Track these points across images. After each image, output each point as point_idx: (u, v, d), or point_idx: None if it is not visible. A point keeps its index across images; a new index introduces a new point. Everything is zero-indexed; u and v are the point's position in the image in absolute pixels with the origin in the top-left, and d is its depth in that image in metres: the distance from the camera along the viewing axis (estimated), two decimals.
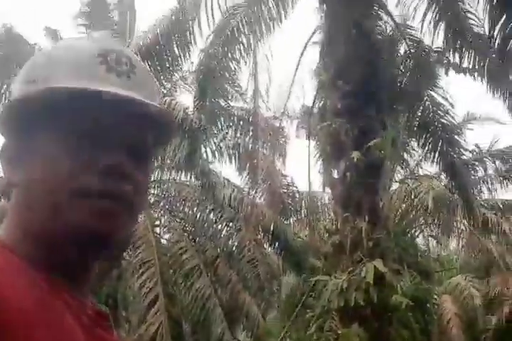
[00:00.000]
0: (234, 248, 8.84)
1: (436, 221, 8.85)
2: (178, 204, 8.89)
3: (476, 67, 7.18)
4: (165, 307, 6.75)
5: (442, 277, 10.21)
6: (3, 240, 0.62)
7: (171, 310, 6.87)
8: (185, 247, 8.08)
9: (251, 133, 9.03)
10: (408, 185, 8.86)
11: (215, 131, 9.13)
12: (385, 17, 7.34)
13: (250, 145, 9.08)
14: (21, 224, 0.64)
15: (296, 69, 7.90)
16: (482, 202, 9.31)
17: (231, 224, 9.00)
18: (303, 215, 10.78)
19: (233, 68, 7.65)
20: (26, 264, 0.60)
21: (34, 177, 0.64)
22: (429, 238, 9.25)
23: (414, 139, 8.45)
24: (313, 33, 7.57)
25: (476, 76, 7.28)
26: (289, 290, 8.59)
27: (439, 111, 7.67)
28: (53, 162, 0.63)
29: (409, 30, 7.55)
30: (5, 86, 7.64)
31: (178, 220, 8.79)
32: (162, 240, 8.50)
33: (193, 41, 7.58)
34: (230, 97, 8.73)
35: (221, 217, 8.90)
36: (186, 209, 9.00)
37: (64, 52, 0.68)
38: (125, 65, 0.67)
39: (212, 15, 7.12)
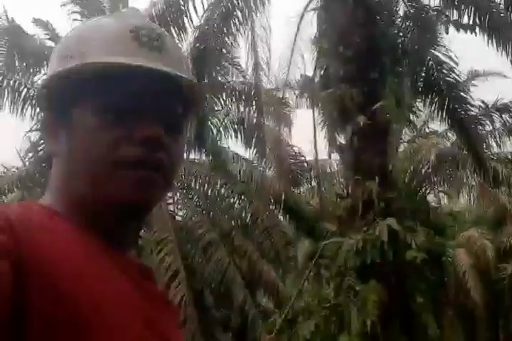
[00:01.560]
0: (248, 220, 9.00)
1: (444, 177, 8.92)
2: (189, 182, 9.02)
3: (478, 22, 7.09)
4: (186, 279, 6.95)
5: (455, 231, 10.35)
6: (47, 205, 0.66)
7: (192, 282, 7.07)
8: (200, 222, 8.24)
9: (254, 107, 9.05)
10: (416, 144, 8.90)
11: (219, 108, 9.17)
12: None
13: (255, 119, 9.12)
14: (64, 192, 0.67)
15: (295, 39, 7.86)
16: (492, 156, 9.35)
17: (243, 197, 9.14)
18: (313, 183, 10.91)
19: (230, 43, 7.61)
20: (72, 227, 0.63)
21: (74, 149, 0.67)
22: (440, 194, 9.34)
23: (419, 100, 8.42)
24: (310, 0, 7.49)
25: (477, 32, 7.21)
26: (305, 255, 8.79)
27: (443, 70, 7.61)
28: (92, 134, 0.66)
29: None
30: (10, 77, 7.66)
31: (191, 197, 8.94)
32: (177, 217, 8.67)
33: (188, 21, 7.52)
34: (229, 73, 8.73)
35: (233, 191, 9.03)
36: (198, 186, 9.13)
37: (97, 30, 0.70)
38: (156, 40, 0.69)
39: None
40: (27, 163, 7.75)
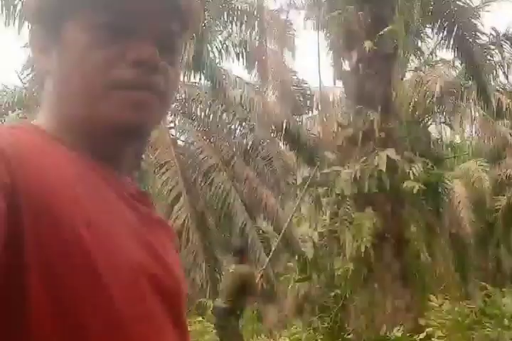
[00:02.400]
0: (249, 146, 9.05)
1: (447, 109, 8.82)
2: (190, 106, 8.93)
3: None
4: (188, 202, 7.16)
5: (454, 163, 10.46)
6: (41, 126, 0.64)
7: (195, 205, 7.30)
8: (201, 147, 8.30)
9: (257, 29, 8.67)
10: (423, 72, 8.67)
11: (220, 29, 8.78)
12: None
13: (257, 42, 8.78)
14: (57, 113, 0.65)
15: None
16: (497, 87, 9.16)
17: (244, 123, 9.10)
18: (315, 112, 10.79)
19: None
20: (67, 149, 0.61)
21: (66, 68, 0.64)
22: (442, 125, 9.30)
23: (428, 25, 8.07)
24: None
25: None
26: (303, 182, 8.97)
27: None
28: (84, 52, 0.62)
29: None
30: None
31: (192, 122, 8.91)
32: (178, 141, 8.71)
33: None
34: None
35: (234, 116, 8.97)
36: (199, 111, 9.05)
37: None
38: None
39: None
40: (25, 82, 7.60)
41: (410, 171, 5.85)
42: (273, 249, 8.28)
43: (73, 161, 0.60)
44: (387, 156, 5.72)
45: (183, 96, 8.79)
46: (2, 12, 7.13)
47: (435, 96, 8.66)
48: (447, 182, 7.59)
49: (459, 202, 9.65)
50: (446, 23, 7.53)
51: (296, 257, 6.94)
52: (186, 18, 0.68)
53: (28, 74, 6.87)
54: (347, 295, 5.80)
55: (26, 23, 7.15)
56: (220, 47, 8.68)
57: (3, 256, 0.48)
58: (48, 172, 0.55)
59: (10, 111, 7.76)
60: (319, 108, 10.47)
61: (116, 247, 0.58)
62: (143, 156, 6.89)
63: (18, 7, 7.06)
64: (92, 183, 0.61)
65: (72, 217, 0.54)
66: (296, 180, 9.50)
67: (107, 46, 0.62)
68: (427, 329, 5.21)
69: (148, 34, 0.64)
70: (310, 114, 10.95)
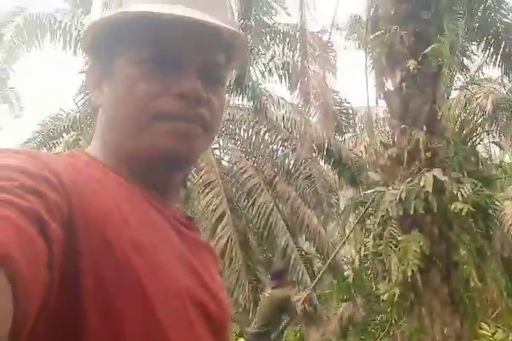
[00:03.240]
0: (291, 166, 9.06)
1: (497, 127, 8.54)
2: (233, 127, 9.07)
3: None
4: (232, 221, 7.21)
5: (505, 183, 10.05)
6: (94, 154, 0.67)
7: (238, 224, 7.33)
8: (244, 167, 8.38)
9: (299, 50, 8.77)
10: (468, 90, 8.47)
11: (263, 51, 8.95)
12: None
13: (299, 63, 8.87)
14: (108, 142, 0.67)
15: None
16: None
17: (286, 143, 9.14)
18: (357, 131, 10.71)
19: None
20: (118, 177, 0.64)
21: (115, 100, 0.66)
22: (491, 145, 8.99)
23: (474, 42, 7.93)
24: None
25: None
26: (347, 203, 8.86)
27: (501, 10, 7.09)
28: (131, 85, 0.64)
29: None
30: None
31: (235, 142, 9.03)
32: (222, 161, 8.83)
33: None
34: (273, 13, 8.41)
35: (276, 137, 9.03)
36: (242, 132, 9.17)
37: None
38: None
39: None
40: (79, 106, 7.95)
41: (458, 192, 5.67)
42: (315, 269, 8.17)
43: (125, 189, 0.62)
44: (434, 177, 5.58)
45: (227, 117, 8.95)
46: (60, 40, 7.56)
47: (486, 112, 8.42)
48: (497, 203, 7.30)
49: (510, 225, 9.23)
50: (493, 40, 7.39)
51: (336, 281, 6.81)
52: (231, 50, 0.70)
53: (82, 99, 7.20)
54: (393, 321, 5.61)
55: (81, 51, 7.56)
56: (263, 69, 8.83)
57: (59, 280, 0.49)
58: (102, 201, 0.57)
59: (65, 134, 8.14)
60: (361, 127, 10.39)
61: (165, 272, 0.59)
62: (187, 180, 7.06)
63: (74, 35, 7.46)
64: (142, 210, 0.62)
65: (124, 244, 0.56)
66: (338, 200, 9.39)
67: (153, 79, 0.64)
68: None
69: (192, 66, 0.65)
70: (352, 134, 10.88)
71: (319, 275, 6.53)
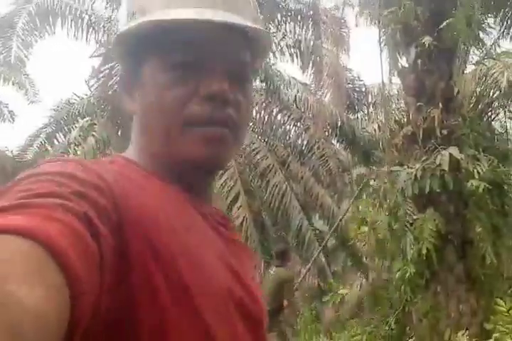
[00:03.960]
0: (304, 146, 9.03)
1: None
2: None
3: None
4: (246, 202, 7.27)
5: None
6: (132, 160, 0.68)
7: (252, 205, 7.39)
8: (258, 148, 8.37)
9: (311, 28, 8.63)
10: (484, 65, 8.29)
11: (274, 30, 8.81)
12: None
13: (312, 42, 8.73)
14: (143, 148, 0.69)
15: None
16: None
17: (299, 123, 9.09)
18: (370, 109, 10.59)
19: None
20: (159, 181, 0.65)
21: (146, 107, 0.67)
22: (508, 120, 8.84)
23: (490, 15, 7.72)
24: None
25: None
26: (359, 181, 8.85)
27: None
28: (160, 92, 0.65)
29: None
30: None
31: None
32: None
33: None
34: None
35: (289, 117, 8.98)
36: (254, 113, 9.13)
37: None
38: None
39: None
40: (92, 90, 7.95)
41: (475, 170, 5.63)
42: (329, 247, 8.23)
43: (167, 193, 0.64)
44: (450, 154, 5.53)
45: None
46: (71, 26, 7.53)
47: (502, 88, 8.26)
48: None
49: None
50: (510, 12, 7.20)
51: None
52: (256, 47, 0.70)
53: (94, 83, 7.19)
54: (408, 298, 5.67)
55: (94, 35, 7.52)
56: (275, 48, 8.72)
57: (110, 284, 0.50)
58: (147, 206, 0.59)
59: (79, 118, 8.17)
60: (374, 105, 10.28)
61: (208, 274, 0.61)
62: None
63: (85, 20, 7.43)
64: (185, 212, 0.64)
65: (172, 248, 0.58)
66: (351, 179, 9.38)
67: (182, 84, 0.65)
68: (494, 335, 5.01)
69: (219, 67, 0.66)
70: (365, 112, 10.77)
71: (329, 251, 6.56)
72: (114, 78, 6.58)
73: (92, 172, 0.55)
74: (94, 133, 7.37)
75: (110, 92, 6.55)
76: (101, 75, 6.93)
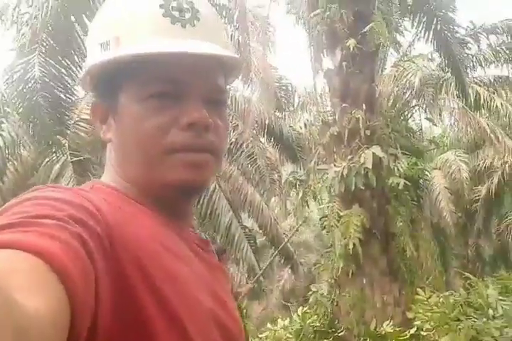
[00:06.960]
0: (232, 144, 9.02)
1: (426, 101, 8.96)
2: None
3: None
4: None
5: (434, 154, 10.63)
6: (112, 186, 0.68)
7: None
8: None
9: (236, 25, 8.60)
10: (401, 67, 8.78)
11: None
12: None
13: (238, 39, 8.72)
14: (123, 175, 0.69)
15: None
16: (474, 79, 9.33)
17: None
18: (297, 108, 10.81)
19: None
20: (143, 208, 0.66)
21: (124, 136, 0.67)
22: (422, 119, 9.45)
23: (407, 19, 8.17)
24: None
25: None
26: (288, 180, 9.04)
27: None
28: (139, 123, 0.65)
29: None
30: None
31: None
32: None
33: None
34: None
35: None
36: None
37: (128, 9, 0.67)
38: (188, 12, 0.66)
39: None
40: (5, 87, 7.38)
41: (395, 167, 5.95)
42: (259, 245, 8.32)
43: (150, 219, 0.65)
44: (373, 153, 5.80)
45: None
46: None
47: (415, 89, 8.78)
48: (427, 173, 7.76)
49: (438, 193, 9.86)
50: (425, 17, 7.64)
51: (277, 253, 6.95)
52: (230, 70, 0.72)
53: (6, 80, 6.67)
54: (335, 292, 5.89)
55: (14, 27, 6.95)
56: None
57: (105, 302, 0.52)
58: (136, 234, 0.60)
59: None
60: (300, 104, 10.51)
61: (193, 296, 0.63)
62: None
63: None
64: (168, 238, 0.65)
65: (160, 274, 0.59)
66: (280, 177, 9.54)
67: (161, 113, 0.65)
68: (416, 323, 5.33)
69: (197, 96, 0.66)
70: (292, 110, 10.97)
71: (258, 250, 6.65)
72: (29, 74, 6.15)
73: (86, 200, 0.57)
74: (1, 132, 6.84)
75: (24, 89, 6.10)
76: (15, 70, 6.45)
